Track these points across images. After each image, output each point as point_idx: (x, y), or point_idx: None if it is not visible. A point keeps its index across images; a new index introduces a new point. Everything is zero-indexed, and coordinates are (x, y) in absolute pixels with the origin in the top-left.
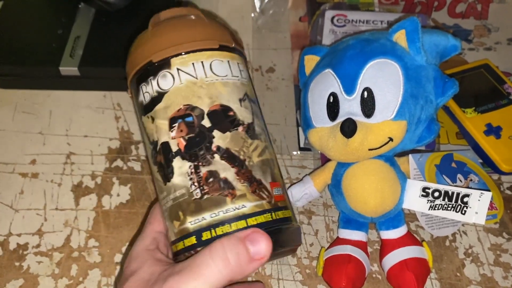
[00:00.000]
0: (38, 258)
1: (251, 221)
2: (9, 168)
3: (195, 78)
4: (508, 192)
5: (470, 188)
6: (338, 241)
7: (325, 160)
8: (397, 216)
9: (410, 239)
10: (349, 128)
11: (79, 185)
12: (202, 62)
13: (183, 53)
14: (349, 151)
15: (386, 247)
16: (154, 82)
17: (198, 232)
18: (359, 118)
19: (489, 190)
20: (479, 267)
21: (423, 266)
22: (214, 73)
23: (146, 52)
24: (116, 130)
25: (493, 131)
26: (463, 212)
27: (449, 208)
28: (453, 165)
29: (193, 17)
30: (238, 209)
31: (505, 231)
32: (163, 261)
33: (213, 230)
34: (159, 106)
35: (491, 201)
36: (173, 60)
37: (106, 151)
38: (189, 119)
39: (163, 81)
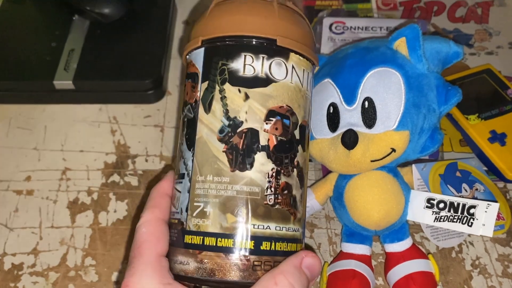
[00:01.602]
0: (34, 278)
1: (299, 247)
2: (4, 186)
3: (301, 85)
4: None
5: (476, 198)
6: (341, 256)
7: (326, 171)
8: (401, 229)
9: (415, 252)
10: (350, 140)
11: (75, 201)
12: (308, 73)
13: (301, 54)
14: (351, 163)
15: (391, 260)
16: (266, 63)
17: (259, 239)
18: (360, 129)
19: (496, 201)
20: (487, 279)
21: (430, 280)
22: (310, 90)
23: (271, 27)
24: (112, 144)
25: (497, 138)
26: (470, 224)
27: (455, 220)
28: (458, 174)
29: (304, 18)
30: (295, 231)
31: None
32: (164, 275)
33: (273, 243)
34: (262, 90)
35: (498, 212)
36: (292, 55)
37: (102, 166)
38: (287, 121)
39: (276, 68)
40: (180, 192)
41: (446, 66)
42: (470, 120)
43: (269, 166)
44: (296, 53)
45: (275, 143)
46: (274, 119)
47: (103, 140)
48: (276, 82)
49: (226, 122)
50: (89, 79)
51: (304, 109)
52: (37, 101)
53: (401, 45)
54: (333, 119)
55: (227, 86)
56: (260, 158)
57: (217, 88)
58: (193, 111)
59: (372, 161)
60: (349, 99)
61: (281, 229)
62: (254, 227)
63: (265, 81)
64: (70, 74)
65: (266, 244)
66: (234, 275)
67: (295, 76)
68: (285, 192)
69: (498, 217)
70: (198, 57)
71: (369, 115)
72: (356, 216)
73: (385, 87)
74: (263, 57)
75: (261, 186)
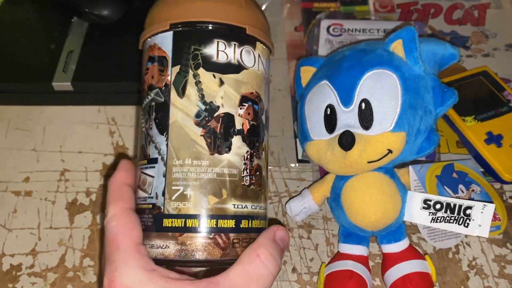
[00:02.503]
0: (32, 279)
1: (266, 223)
2: (2, 187)
3: (265, 72)
4: (510, 201)
5: (473, 199)
6: (338, 256)
7: (323, 172)
8: (398, 229)
9: (412, 252)
10: (347, 141)
11: (73, 202)
12: (269, 60)
13: (265, 44)
14: (348, 164)
15: (388, 261)
16: (238, 51)
17: (238, 218)
18: (357, 130)
19: (492, 202)
20: (484, 279)
21: (426, 281)
22: (269, 75)
23: (241, 16)
24: (110, 145)
25: (494, 139)
26: (466, 224)
27: (451, 221)
28: (454, 175)
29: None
30: (264, 208)
31: (508, 242)
32: (147, 262)
33: (250, 221)
34: (235, 76)
35: (494, 212)
36: (258, 44)
37: (100, 167)
38: (256, 107)
39: (246, 56)
40: (153, 177)
41: (442, 68)
42: (466, 121)
43: (244, 149)
44: (261, 42)
45: (248, 127)
46: (246, 105)
47: (102, 141)
48: (247, 69)
49: (203, 107)
50: (87, 81)
51: (267, 96)
52: (36, 103)
53: (397, 47)
54: (330, 120)
55: (201, 71)
56: (237, 141)
57: (191, 72)
58: (163, 95)
59: (369, 162)
60: (346, 100)
61: (255, 207)
62: (234, 207)
63: (237, 68)
64: (69, 75)
65: (245, 222)
66: (216, 254)
67: (261, 64)
68: (257, 173)
69: (494, 218)
70: (165, 41)
71: (366, 117)
72: (353, 217)
73: (381, 89)
74: (234, 44)
75: (238, 168)
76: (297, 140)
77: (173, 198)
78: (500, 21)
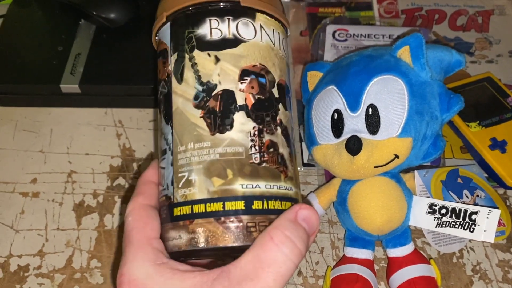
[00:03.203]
0: (40, 280)
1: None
2: (10, 188)
3: (273, 44)
4: None
5: (477, 204)
6: (344, 260)
7: (329, 176)
8: (403, 234)
9: (417, 257)
10: (354, 146)
11: (80, 204)
12: (279, 33)
13: (269, 14)
14: (355, 168)
15: (393, 265)
16: (233, 24)
17: (249, 198)
18: (364, 135)
19: (497, 207)
20: (488, 284)
21: (431, 285)
22: (284, 50)
23: None
24: (117, 147)
25: (498, 145)
26: (471, 230)
27: (456, 226)
28: (459, 180)
29: None
30: (288, 189)
31: None
32: (158, 256)
33: (265, 202)
34: (232, 51)
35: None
36: (259, 15)
37: (107, 169)
38: (263, 80)
39: (244, 28)
40: (164, 168)
41: (448, 74)
42: (471, 127)
43: (250, 125)
44: (263, 12)
45: (253, 101)
46: (248, 78)
47: (109, 143)
48: (246, 42)
49: (200, 88)
50: (95, 83)
51: (280, 68)
52: (43, 104)
53: (404, 53)
54: (338, 125)
55: (196, 52)
56: (240, 117)
57: (187, 56)
58: (166, 86)
59: (375, 167)
60: (353, 106)
61: (271, 187)
62: (242, 187)
63: (234, 42)
64: (77, 78)
65: (258, 203)
66: (228, 240)
67: (265, 35)
68: (271, 150)
69: (499, 223)
70: (165, 33)
71: (373, 122)
72: (359, 221)
73: (388, 95)
74: (228, 19)
75: (244, 145)
76: (303, 144)
77: (180, 185)
78: (503, 27)
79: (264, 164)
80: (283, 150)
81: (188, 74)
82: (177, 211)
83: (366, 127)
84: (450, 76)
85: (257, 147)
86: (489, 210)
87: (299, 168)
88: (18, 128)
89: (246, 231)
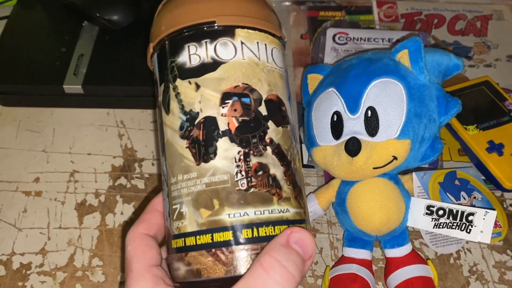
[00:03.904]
0: (42, 278)
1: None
2: (13, 187)
3: (258, 59)
4: (511, 209)
5: (474, 206)
6: (343, 260)
7: (328, 177)
8: (401, 234)
9: (415, 257)
10: (353, 147)
11: (82, 203)
12: (265, 44)
13: (250, 27)
14: (354, 169)
15: (391, 265)
16: (211, 47)
17: (237, 228)
18: (363, 137)
19: (493, 209)
20: (484, 285)
21: (429, 285)
22: (274, 61)
23: (208, 10)
24: (119, 147)
25: (495, 148)
26: (468, 230)
27: (453, 227)
28: (457, 182)
29: None
30: (282, 212)
31: (509, 249)
32: (157, 282)
33: (255, 229)
34: (211, 75)
35: (495, 219)
36: (239, 31)
37: (109, 169)
38: (246, 100)
39: (222, 49)
40: (164, 199)
41: (446, 78)
42: (468, 130)
43: (234, 150)
44: (243, 27)
45: (236, 125)
46: (230, 101)
47: (111, 143)
48: (225, 63)
49: (184, 118)
50: (98, 84)
51: (268, 83)
52: (46, 105)
53: (403, 57)
54: (337, 127)
55: (178, 82)
56: (223, 144)
57: (171, 86)
58: (158, 117)
59: (374, 168)
60: (353, 108)
61: (262, 212)
62: (229, 217)
63: (212, 65)
64: (80, 78)
65: (247, 231)
66: (220, 272)
67: (247, 52)
68: (260, 173)
69: (496, 225)
70: (154, 63)
71: (372, 124)
72: (357, 221)
73: (387, 97)
74: (205, 42)
75: (229, 172)
76: (303, 145)
77: (174, 217)
78: (502, 32)
79: (252, 190)
80: (275, 170)
81: (173, 104)
82: (174, 243)
83: (365, 129)
84: (449, 79)
85: (243, 173)
86: (486, 212)
87: None
88: (21, 128)
89: (237, 261)
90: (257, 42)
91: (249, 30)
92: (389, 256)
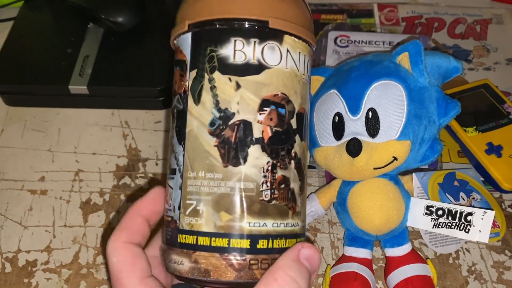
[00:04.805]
0: (47, 274)
1: (299, 241)
2: (19, 185)
3: (297, 70)
4: (509, 210)
5: (473, 206)
6: (344, 259)
7: (329, 177)
8: (401, 234)
9: (414, 256)
10: (354, 148)
11: (87, 202)
12: (305, 55)
13: (297, 36)
14: (355, 170)
15: (391, 264)
16: (258, 48)
17: (255, 237)
18: (364, 137)
19: (492, 209)
20: (483, 284)
21: (428, 284)
22: (307, 74)
23: (262, 8)
24: (124, 147)
25: (494, 150)
26: (467, 230)
27: (452, 226)
28: (456, 183)
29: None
30: (294, 226)
31: (507, 249)
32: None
33: (271, 241)
34: (254, 78)
35: (493, 219)
36: (287, 37)
37: (114, 168)
38: (282, 111)
39: (269, 53)
40: (172, 188)
41: (446, 80)
42: (468, 132)
43: (264, 159)
44: (291, 35)
45: (270, 134)
46: (268, 109)
47: (115, 143)
48: (270, 69)
49: (217, 114)
50: (103, 85)
51: (301, 96)
52: (52, 105)
53: (404, 59)
54: (338, 128)
55: (216, 74)
56: (254, 151)
57: (206, 77)
58: (182, 102)
59: (375, 168)
60: (354, 109)
61: (278, 225)
62: (249, 225)
63: (257, 68)
64: (85, 79)
65: (263, 242)
66: (229, 276)
67: (291, 61)
68: (282, 186)
69: (494, 225)
70: (185, 43)
71: (372, 125)
72: (358, 221)
73: (388, 99)
74: (254, 42)
75: (256, 181)
76: None
77: (187, 213)
78: (501, 36)
79: (273, 202)
80: (294, 184)
81: (206, 96)
82: (181, 238)
83: (366, 130)
84: (449, 82)
85: (268, 184)
86: (484, 212)
87: None
88: (27, 127)
89: (248, 269)
90: (299, 52)
91: (295, 39)
92: (389, 255)
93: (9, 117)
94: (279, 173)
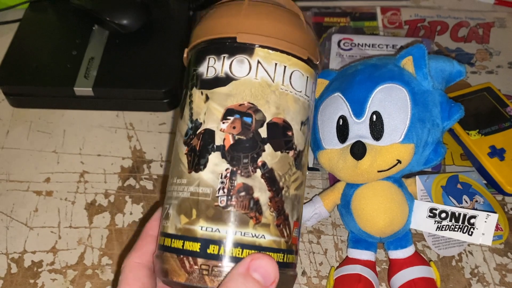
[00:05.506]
0: (53, 275)
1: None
2: (24, 186)
3: (272, 80)
4: None
5: (476, 209)
6: (347, 261)
7: (333, 180)
8: (405, 236)
9: (417, 259)
10: (359, 151)
11: (92, 203)
12: (285, 66)
13: (269, 48)
14: (359, 172)
15: (394, 266)
16: (227, 62)
17: (205, 242)
18: (368, 140)
19: (495, 212)
20: (485, 287)
21: (431, 286)
22: (291, 84)
23: (232, 26)
24: (128, 149)
25: (497, 153)
26: (470, 233)
27: (456, 229)
28: (459, 186)
29: (294, 13)
30: (256, 237)
31: (510, 252)
32: None
33: (222, 248)
34: (221, 89)
35: (496, 222)
36: (258, 49)
37: (119, 170)
38: (248, 119)
39: (237, 66)
40: None
41: (449, 84)
42: (470, 135)
43: (223, 166)
44: (263, 47)
45: (231, 142)
46: (232, 118)
47: (120, 145)
48: (237, 80)
49: (190, 125)
50: (108, 87)
51: (277, 105)
52: (57, 106)
53: (408, 63)
54: (343, 131)
55: (194, 90)
56: (214, 158)
57: (188, 93)
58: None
59: (379, 171)
60: (358, 112)
61: (234, 233)
62: (201, 229)
63: (224, 80)
64: (90, 81)
65: (214, 248)
66: (181, 277)
67: (262, 72)
68: (242, 194)
69: (497, 228)
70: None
71: (376, 128)
72: (362, 223)
73: (392, 102)
74: (224, 57)
75: (212, 187)
76: (308, 148)
77: (163, 216)
78: (503, 39)
79: (229, 208)
80: (260, 194)
81: (186, 110)
82: (160, 240)
83: (370, 133)
84: (452, 85)
85: (225, 190)
86: (487, 215)
87: None
88: (32, 129)
89: (199, 273)
90: (275, 64)
91: (270, 51)
92: (393, 257)
93: (14, 118)
94: (239, 180)
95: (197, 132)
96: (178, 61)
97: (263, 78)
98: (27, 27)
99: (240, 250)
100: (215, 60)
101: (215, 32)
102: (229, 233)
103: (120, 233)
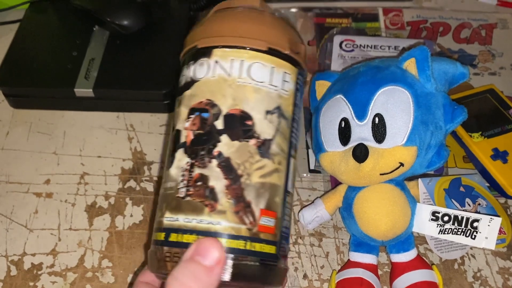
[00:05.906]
0: (52, 278)
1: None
2: (24, 188)
3: (228, 75)
4: None
5: (479, 212)
6: (349, 264)
7: (335, 182)
8: (407, 240)
9: (420, 262)
10: (361, 153)
11: (92, 205)
12: (242, 60)
13: (225, 46)
14: (361, 175)
15: (396, 270)
16: (192, 68)
17: (168, 231)
18: (371, 143)
19: (498, 215)
20: None
21: None
22: (249, 76)
23: (194, 36)
24: (129, 150)
25: (499, 155)
26: (473, 236)
27: (458, 233)
28: (462, 189)
29: (256, 10)
30: (212, 223)
31: None
32: None
33: (180, 235)
34: (187, 93)
35: (500, 226)
36: (215, 50)
37: (119, 171)
38: (206, 115)
39: (199, 69)
40: None
41: (452, 86)
42: (473, 138)
43: (184, 160)
44: (219, 47)
45: (191, 138)
46: (193, 116)
47: (120, 146)
48: (198, 81)
49: (172, 131)
50: (108, 88)
51: (234, 97)
52: (57, 107)
53: (410, 65)
54: (345, 133)
55: (177, 100)
56: (179, 155)
57: (176, 104)
58: None
59: (381, 174)
60: (360, 114)
61: (190, 221)
62: (166, 220)
63: (190, 84)
64: (90, 82)
65: (174, 236)
66: (154, 266)
67: (219, 69)
68: (199, 183)
69: (500, 231)
70: None
71: (379, 131)
72: (364, 226)
73: (395, 105)
74: (190, 64)
75: (176, 180)
76: (309, 150)
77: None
78: (506, 41)
79: (187, 198)
80: (216, 182)
81: (174, 118)
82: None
83: (373, 135)
84: (454, 87)
85: (185, 182)
86: (491, 218)
87: (304, 175)
88: (32, 130)
89: (163, 261)
90: (231, 60)
91: (226, 49)
92: (395, 261)
93: (14, 119)
94: (197, 171)
95: (173, 135)
96: (179, 62)
97: (220, 75)
98: (27, 27)
99: (196, 236)
100: (186, 69)
101: (187, 45)
102: (186, 220)
103: (121, 236)
